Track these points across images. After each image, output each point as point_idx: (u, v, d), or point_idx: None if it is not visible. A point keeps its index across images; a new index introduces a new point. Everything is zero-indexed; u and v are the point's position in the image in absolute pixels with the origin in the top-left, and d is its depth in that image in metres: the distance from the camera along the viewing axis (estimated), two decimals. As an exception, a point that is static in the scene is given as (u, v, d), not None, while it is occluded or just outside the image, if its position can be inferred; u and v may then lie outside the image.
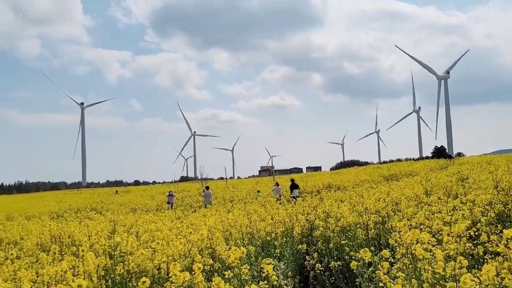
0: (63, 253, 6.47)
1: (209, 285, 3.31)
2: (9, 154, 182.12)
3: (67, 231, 8.24)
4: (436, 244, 4.00)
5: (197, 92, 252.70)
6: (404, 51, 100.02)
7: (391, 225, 6.62)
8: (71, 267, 4.49)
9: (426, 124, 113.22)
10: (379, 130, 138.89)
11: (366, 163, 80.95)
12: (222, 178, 73.51)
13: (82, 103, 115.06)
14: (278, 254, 7.20)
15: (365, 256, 3.87)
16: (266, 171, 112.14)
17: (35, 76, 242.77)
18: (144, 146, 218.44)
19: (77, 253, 6.00)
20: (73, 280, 3.56)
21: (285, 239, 7.80)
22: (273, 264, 2.91)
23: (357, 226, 7.13)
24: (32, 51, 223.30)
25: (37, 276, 4.28)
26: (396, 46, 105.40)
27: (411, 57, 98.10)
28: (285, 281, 6.61)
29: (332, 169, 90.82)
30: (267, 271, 2.76)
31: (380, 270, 3.85)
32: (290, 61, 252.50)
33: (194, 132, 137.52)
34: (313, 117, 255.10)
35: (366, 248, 3.67)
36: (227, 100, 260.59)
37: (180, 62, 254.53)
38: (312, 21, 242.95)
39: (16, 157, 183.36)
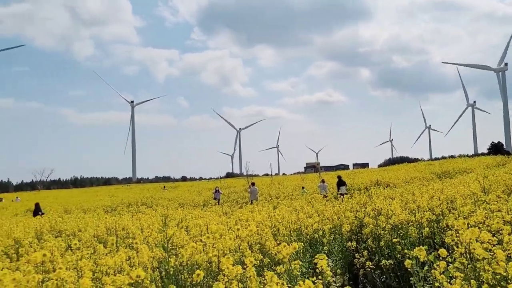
0: (117, 244, 6.76)
1: (260, 280, 3.33)
2: (66, 151, 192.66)
3: (121, 224, 8.61)
4: (497, 244, 3.83)
5: (242, 89, 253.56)
6: (453, 63, 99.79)
7: (446, 224, 6.38)
8: (127, 258, 4.69)
9: (487, 112, 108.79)
10: (430, 125, 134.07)
11: (416, 160, 78.04)
12: (267, 175, 73.77)
13: (132, 101, 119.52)
14: (326, 251, 7.13)
15: (420, 255, 3.75)
16: (312, 167, 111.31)
17: (88, 76, 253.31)
18: (191, 142, 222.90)
19: (131, 245, 6.24)
20: (130, 270, 3.71)
21: (333, 236, 7.71)
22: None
23: (409, 224, 6.92)
24: (86, 52, 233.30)
25: (96, 266, 4.51)
26: (444, 62, 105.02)
27: (462, 64, 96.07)
28: (333, 279, 6.53)
29: (380, 166, 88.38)
30: (321, 266, 2.73)
31: (436, 269, 3.72)
32: (337, 56, 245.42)
33: (240, 129, 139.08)
34: (361, 113, 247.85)
35: (421, 247, 3.56)
36: (272, 96, 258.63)
37: (226, 59, 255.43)
38: (359, 14, 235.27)
39: (72, 154, 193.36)
